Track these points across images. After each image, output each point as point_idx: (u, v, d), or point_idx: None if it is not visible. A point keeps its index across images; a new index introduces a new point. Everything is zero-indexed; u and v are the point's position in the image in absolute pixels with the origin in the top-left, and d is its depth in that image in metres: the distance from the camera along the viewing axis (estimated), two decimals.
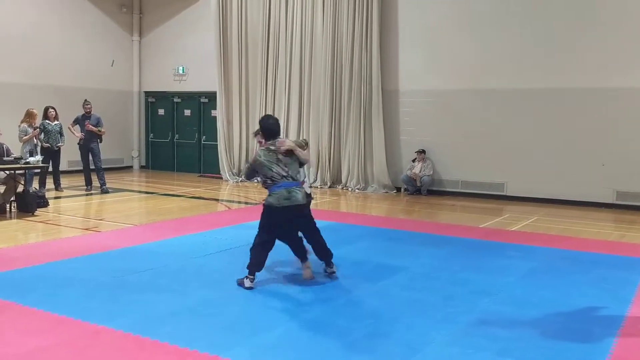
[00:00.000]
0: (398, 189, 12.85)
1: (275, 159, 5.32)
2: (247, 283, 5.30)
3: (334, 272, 5.72)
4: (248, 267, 5.33)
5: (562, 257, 6.87)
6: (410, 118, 12.77)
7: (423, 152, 12.41)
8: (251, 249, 5.41)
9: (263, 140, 5.59)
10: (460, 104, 12.19)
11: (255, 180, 5.41)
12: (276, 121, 5.62)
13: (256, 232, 5.46)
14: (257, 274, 5.37)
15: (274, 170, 5.30)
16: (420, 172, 12.34)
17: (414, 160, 12.54)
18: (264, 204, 5.41)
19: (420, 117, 12.65)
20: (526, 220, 9.56)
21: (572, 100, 11.13)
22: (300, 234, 5.73)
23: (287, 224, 5.45)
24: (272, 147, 5.36)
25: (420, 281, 5.74)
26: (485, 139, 11.96)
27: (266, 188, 5.45)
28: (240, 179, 14.31)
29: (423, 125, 12.63)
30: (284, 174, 5.30)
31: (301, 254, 5.68)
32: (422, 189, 12.36)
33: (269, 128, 5.51)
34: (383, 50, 12.72)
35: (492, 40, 11.78)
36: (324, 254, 5.70)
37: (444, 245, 7.45)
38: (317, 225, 5.75)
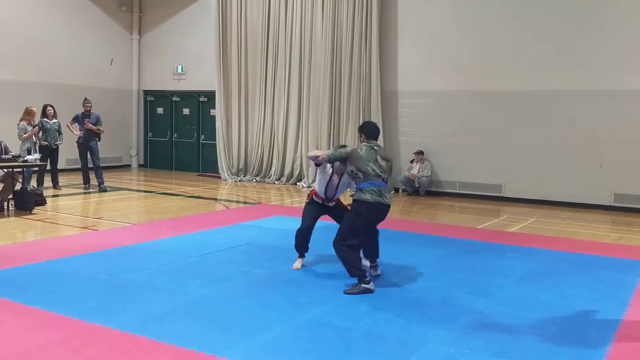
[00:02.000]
0: (396, 190, 12.86)
1: (374, 158, 5.42)
2: (368, 285, 5.26)
3: (378, 275, 5.77)
4: (354, 276, 5.31)
5: (559, 258, 6.88)
6: (409, 119, 12.78)
7: (421, 153, 12.42)
8: (344, 257, 5.34)
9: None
10: (459, 105, 12.20)
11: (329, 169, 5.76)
12: (376, 125, 5.85)
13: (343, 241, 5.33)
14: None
15: (369, 166, 5.35)
16: (418, 172, 12.36)
17: (412, 161, 12.55)
18: (354, 201, 5.36)
19: (419, 118, 12.66)
20: (524, 221, 9.57)
21: (570, 102, 11.14)
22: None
23: (375, 222, 5.56)
24: (375, 147, 5.48)
25: (418, 282, 5.74)
26: (484, 140, 11.98)
27: (353, 180, 5.50)
28: (238, 178, 14.33)
29: (421, 126, 12.64)
30: (379, 172, 5.38)
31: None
32: (420, 190, 12.37)
33: (371, 129, 5.68)
34: (382, 51, 12.73)
35: (491, 41, 11.80)
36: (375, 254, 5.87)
37: (442, 246, 7.46)
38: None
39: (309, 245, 6.12)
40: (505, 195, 11.85)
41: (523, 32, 11.49)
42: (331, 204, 6.09)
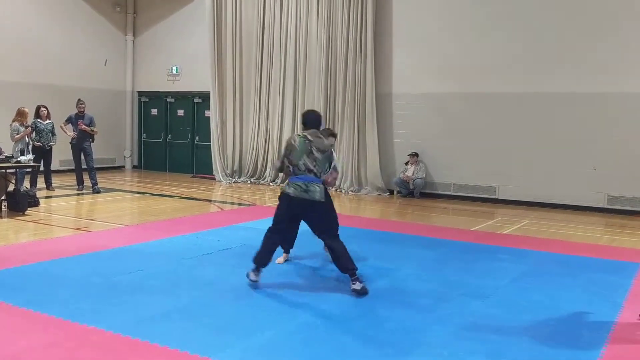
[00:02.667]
0: (391, 192, 12.88)
1: (308, 149, 5.21)
2: (251, 276, 5.36)
3: (357, 290, 5.18)
4: (253, 260, 5.37)
5: (553, 260, 6.89)
6: (404, 121, 12.80)
7: (416, 155, 12.44)
8: (262, 241, 5.43)
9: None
10: (454, 107, 12.23)
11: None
12: (318, 115, 5.55)
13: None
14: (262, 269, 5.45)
15: (301, 160, 5.18)
16: (413, 174, 12.37)
17: (406, 163, 12.56)
18: (281, 193, 5.35)
19: (414, 120, 12.68)
20: (517, 223, 9.59)
21: (564, 105, 11.18)
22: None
23: (298, 217, 5.42)
24: (310, 138, 5.24)
25: (412, 283, 5.74)
26: (478, 142, 12.00)
27: (287, 175, 5.37)
28: (233, 180, 14.32)
29: (416, 128, 12.66)
30: (311, 167, 5.18)
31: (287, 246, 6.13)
32: (414, 192, 12.38)
33: (309, 118, 5.42)
34: (377, 54, 12.74)
35: (485, 44, 11.83)
36: (344, 265, 5.26)
37: (436, 247, 7.47)
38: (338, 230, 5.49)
39: (299, 242, 6.20)
40: (499, 197, 11.88)
41: (516, 35, 11.53)
42: None
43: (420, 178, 12.32)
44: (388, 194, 12.81)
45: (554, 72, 11.21)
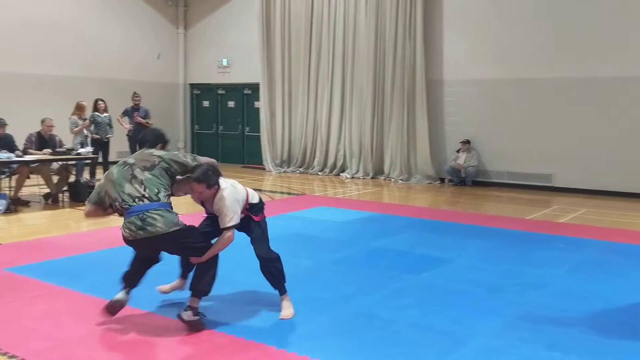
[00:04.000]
0: (442, 180, 12.73)
1: (130, 175, 4.02)
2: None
3: (183, 320, 4.05)
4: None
5: (612, 250, 6.68)
6: (455, 108, 12.60)
7: (468, 142, 12.24)
8: None
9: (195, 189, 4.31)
10: (506, 93, 11.95)
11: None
12: (152, 132, 4.63)
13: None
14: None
15: (125, 191, 3.96)
16: (465, 162, 12.18)
17: (458, 151, 12.37)
18: None
19: (465, 107, 12.46)
20: (575, 212, 9.32)
21: (622, 89, 10.75)
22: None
23: (151, 254, 4.28)
24: (131, 161, 4.11)
25: (465, 273, 5.67)
26: (532, 128, 11.69)
27: (121, 216, 4.03)
28: (282, 170, 14.44)
29: (468, 115, 12.45)
30: (138, 194, 3.94)
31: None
32: (466, 180, 12.20)
33: (144, 136, 4.46)
34: (427, 39, 12.56)
35: (538, 28, 11.48)
36: (193, 284, 4.20)
37: (490, 237, 7.34)
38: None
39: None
40: (555, 185, 11.56)
41: (572, 16, 11.14)
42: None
43: (473, 166, 12.12)
44: (439, 182, 12.66)
45: (611, 56, 10.78)
